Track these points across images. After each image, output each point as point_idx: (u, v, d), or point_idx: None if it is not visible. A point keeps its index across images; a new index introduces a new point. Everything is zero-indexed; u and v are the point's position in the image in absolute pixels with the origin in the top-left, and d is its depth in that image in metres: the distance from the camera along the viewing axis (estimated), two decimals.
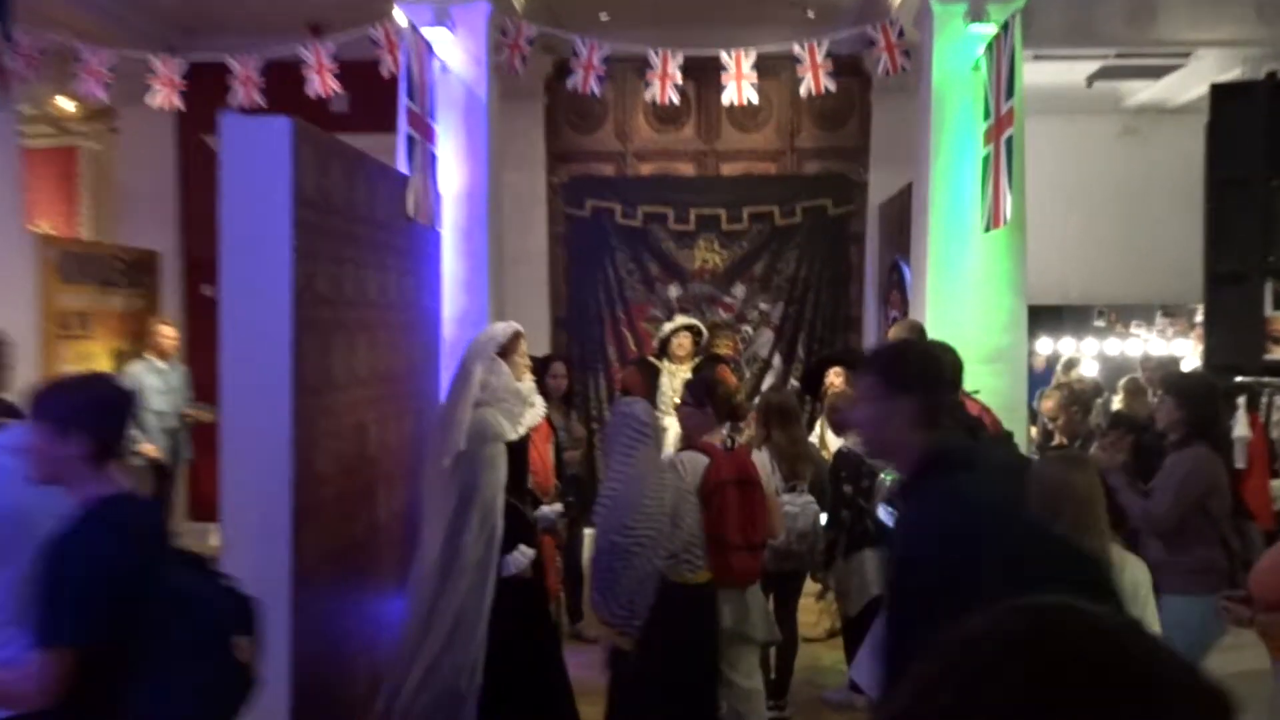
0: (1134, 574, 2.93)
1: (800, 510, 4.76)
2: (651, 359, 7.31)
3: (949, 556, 1.69)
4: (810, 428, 6.10)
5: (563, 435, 5.70)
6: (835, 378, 6.24)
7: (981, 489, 1.81)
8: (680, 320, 7.29)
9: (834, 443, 5.95)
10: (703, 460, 4.01)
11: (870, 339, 8.14)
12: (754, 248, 8.31)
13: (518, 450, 4.19)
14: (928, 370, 1.98)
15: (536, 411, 4.45)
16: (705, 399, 4.11)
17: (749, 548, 4.07)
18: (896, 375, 1.96)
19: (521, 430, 4.24)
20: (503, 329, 4.28)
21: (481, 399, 4.09)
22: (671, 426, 6.70)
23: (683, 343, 7.06)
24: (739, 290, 8.34)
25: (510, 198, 7.34)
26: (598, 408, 8.28)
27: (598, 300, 8.35)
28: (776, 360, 8.36)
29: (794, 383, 8.15)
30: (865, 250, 8.23)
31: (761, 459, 4.55)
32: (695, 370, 7.02)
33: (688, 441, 4.21)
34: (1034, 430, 6.82)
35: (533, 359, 4.62)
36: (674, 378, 7.05)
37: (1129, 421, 4.82)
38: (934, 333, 5.22)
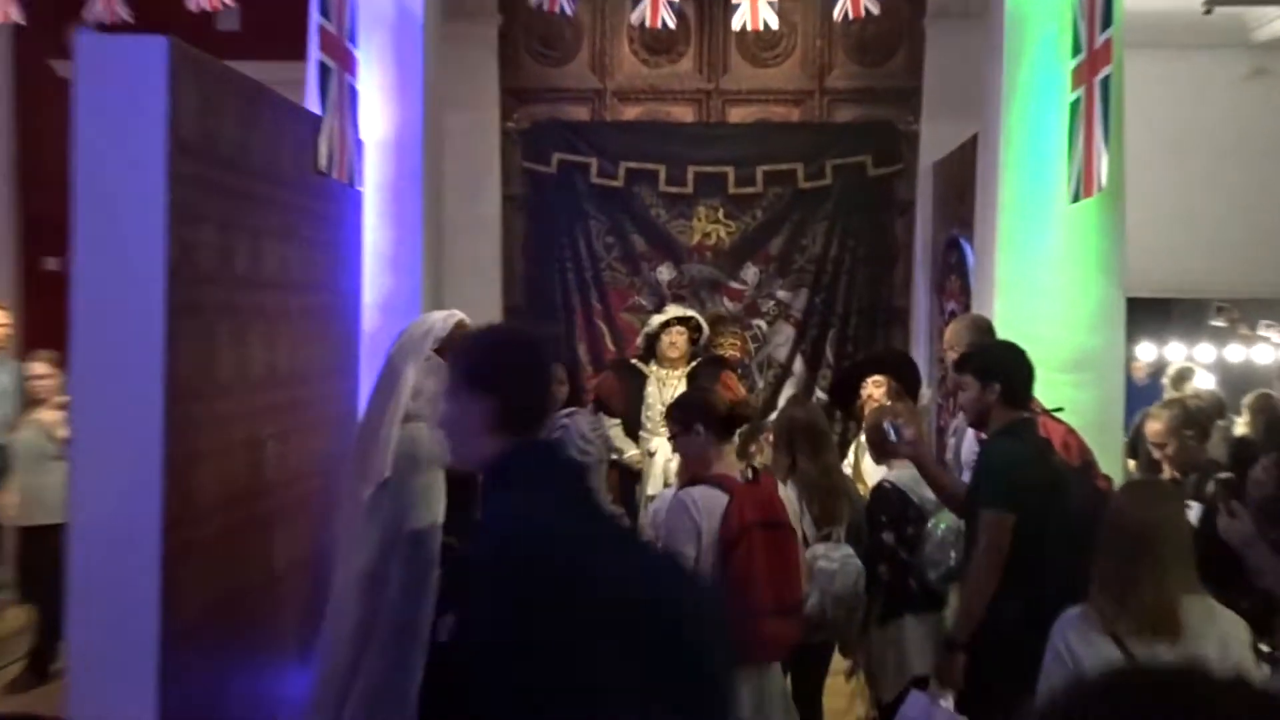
0: (1225, 628, 3.04)
1: (839, 566, 4.71)
2: (635, 361, 7.36)
3: (480, 584, 1.94)
4: (842, 454, 6.13)
5: None
6: (874, 388, 6.30)
7: (537, 511, 2.00)
8: (673, 311, 7.36)
9: (872, 473, 5.99)
10: (720, 498, 4.03)
11: (920, 338, 8.21)
12: (770, 218, 8.38)
13: (460, 478, 4.20)
14: (518, 366, 2.17)
15: None
16: (694, 420, 4.16)
17: (783, 611, 4.07)
18: (477, 370, 2.14)
19: None
20: (442, 320, 4.29)
21: (414, 411, 4.10)
22: (662, 450, 6.79)
23: (676, 341, 7.12)
24: (750, 273, 8.42)
25: (454, 148, 7.36)
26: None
27: (565, 284, 8.39)
28: (798, 365, 8.43)
29: (820, 395, 8.21)
30: (915, 223, 8.31)
31: (787, 496, 4.57)
32: (690, 377, 7.10)
33: (694, 474, 4.30)
34: (1133, 463, 6.87)
35: None
36: (664, 386, 7.09)
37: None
38: (1005, 331, 5.26)
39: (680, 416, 4.24)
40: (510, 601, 1.88)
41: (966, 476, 4.71)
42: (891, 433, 4.63)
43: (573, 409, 4.34)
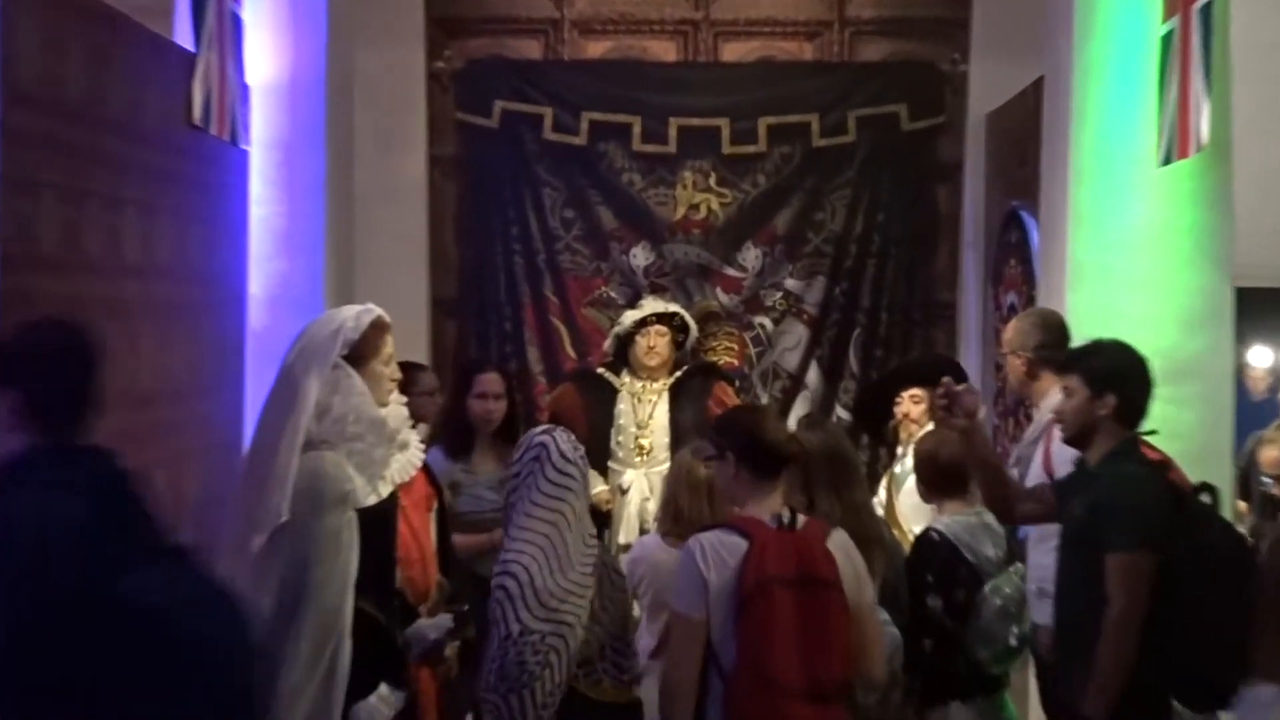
0: None
1: None
2: (602, 371, 7.39)
3: None
4: (872, 490, 6.16)
5: (459, 496, 5.76)
6: (912, 405, 6.46)
7: (52, 519, 2.26)
8: (651, 306, 7.40)
9: (911, 517, 6.05)
10: (738, 546, 4.07)
11: (970, 340, 8.27)
12: (776, 186, 8.41)
13: (379, 524, 4.22)
14: (43, 355, 2.39)
15: (410, 458, 4.52)
16: (726, 444, 4.25)
17: (819, 694, 4.04)
18: None
19: (385, 489, 4.28)
20: (353, 317, 4.28)
21: (317, 435, 4.09)
22: (638, 486, 6.94)
23: (655, 344, 7.17)
24: (750, 257, 8.47)
25: (366, 95, 7.37)
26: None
27: (511, 270, 8.41)
28: (813, 375, 8.49)
29: (842, 414, 8.27)
30: (963, 192, 8.38)
31: (841, 547, 4.55)
32: (674, 391, 7.15)
33: (720, 514, 4.46)
34: (1244, 505, 6.90)
35: (403, 369, 4.66)
36: (640, 403, 7.15)
37: None
38: (1083, 330, 5.30)
39: (715, 437, 4.36)
40: (9, 613, 2.14)
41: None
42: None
43: (550, 426, 4.36)
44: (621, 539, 6.78)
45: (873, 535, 4.92)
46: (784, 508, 4.17)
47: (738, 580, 3.99)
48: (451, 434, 6.00)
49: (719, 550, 4.06)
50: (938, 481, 5.28)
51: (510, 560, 4.13)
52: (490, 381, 6.11)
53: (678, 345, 7.29)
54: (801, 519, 4.17)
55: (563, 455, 4.24)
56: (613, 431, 7.11)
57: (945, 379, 4.68)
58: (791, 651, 3.98)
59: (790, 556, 4.04)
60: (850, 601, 4.13)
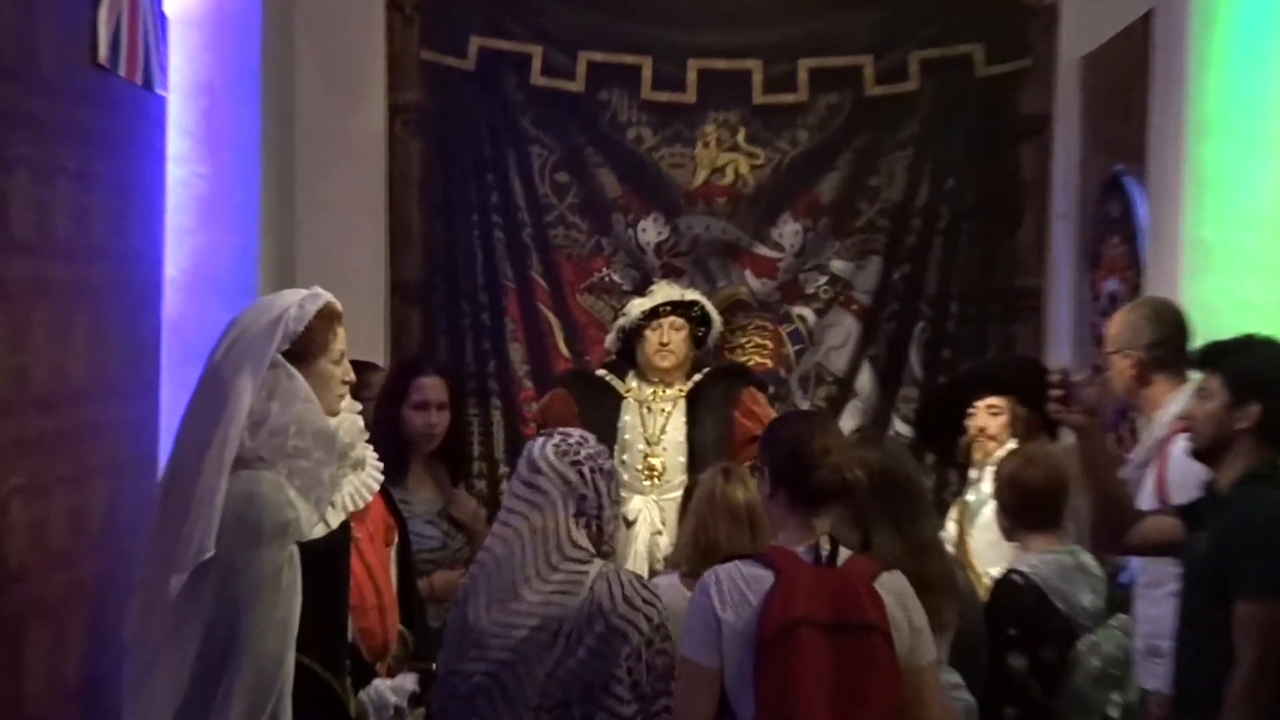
0: None
1: None
2: (602, 373, 7.44)
3: None
4: (941, 521, 6.21)
5: (422, 532, 5.77)
6: (988, 417, 6.55)
7: None
8: (664, 293, 7.42)
9: (987, 554, 6.10)
10: (760, 579, 4.12)
11: (1061, 336, 8.27)
12: (821, 144, 8.43)
13: (327, 561, 4.23)
14: None
15: (366, 479, 4.54)
16: (764, 456, 4.37)
17: None
18: None
19: (335, 518, 4.31)
20: (296, 305, 4.27)
21: (252, 451, 4.10)
22: (647, 516, 7.00)
23: (668, 340, 7.19)
24: (788, 232, 8.47)
25: (312, 31, 7.47)
26: (486, 467, 8.39)
27: (490, 248, 8.44)
28: (865, 379, 8.51)
29: (901, 428, 8.31)
30: (1052, 152, 8.39)
31: (893, 591, 4.53)
32: (692, 399, 7.20)
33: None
34: None
35: (356, 370, 4.60)
36: (649, 413, 7.20)
37: None
38: (1207, 326, 5.29)
39: (759, 448, 4.48)
40: None
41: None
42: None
43: (549, 430, 4.52)
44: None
45: (942, 579, 4.92)
46: (825, 541, 4.20)
47: (759, 621, 4.03)
48: (382, 452, 5.53)
49: (738, 584, 4.11)
50: (1023, 512, 5.34)
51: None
52: (432, 388, 6.09)
53: (697, 342, 7.33)
54: (845, 553, 4.21)
55: (532, 463, 4.36)
56: (616, 449, 7.10)
57: (1061, 367, 4.66)
58: (821, 709, 4.00)
59: (825, 596, 4.08)
60: (901, 657, 4.14)
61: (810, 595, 4.04)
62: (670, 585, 5.19)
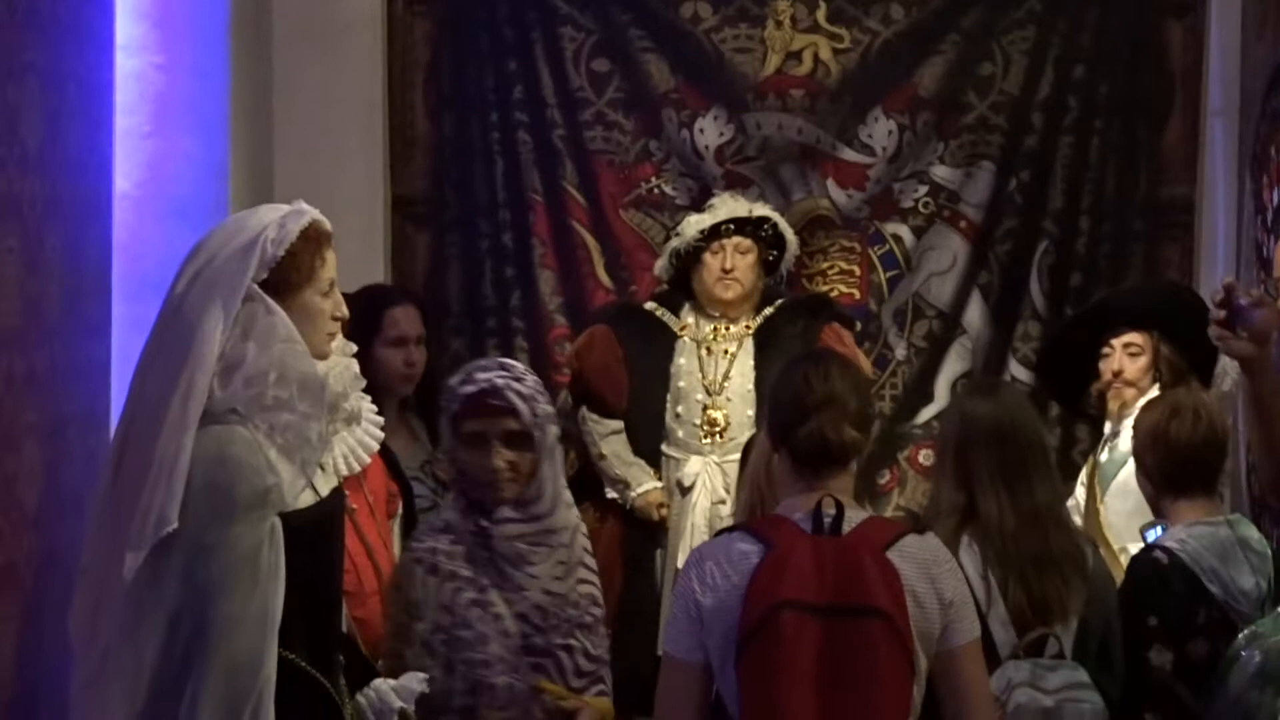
0: None
1: (1056, 705, 4.78)
2: (651, 307, 7.57)
3: None
4: (1068, 486, 6.30)
5: (426, 492, 5.82)
6: (1127, 359, 6.64)
7: None
8: (728, 207, 7.45)
9: (1124, 526, 6.19)
10: (746, 555, 4.18)
11: (1217, 261, 8.23)
12: (920, 23, 8.43)
13: (316, 536, 4.25)
14: None
15: (363, 437, 4.55)
16: (767, 411, 4.48)
17: None
18: None
19: (326, 484, 4.33)
20: (275, 224, 4.25)
21: (223, 403, 4.09)
22: (705, 481, 7.26)
23: (733, 265, 7.27)
24: (880, 132, 8.47)
25: None
26: None
27: (512, 154, 8.45)
28: (975, 313, 8.53)
29: (1019, 372, 8.34)
30: (1208, 34, 8.36)
31: (969, 563, 4.50)
32: (762, 337, 7.29)
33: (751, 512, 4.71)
34: None
35: (350, 301, 4.62)
36: (709, 354, 7.31)
37: None
38: None
39: (769, 400, 4.52)
40: None
41: None
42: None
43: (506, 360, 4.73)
44: (681, 564, 6.76)
45: (1065, 555, 5.04)
46: (831, 503, 4.24)
47: (741, 606, 4.10)
48: None
49: (722, 563, 4.20)
50: (1170, 474, 5.34)
51: None
52: (407, 319, 6.32)
53: (767, 268, 7.41)
54: (855, 518, 4.26)
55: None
56: (668, 399, 7.28)
57: (1227, 282, 4.57)
58: (805, 708, 4.07)
59: (820, 572, 4.13)
60: (926, 637, 4.21)
61: (801, 573, 4.10)
62: None
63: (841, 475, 4.33)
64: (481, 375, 4.94)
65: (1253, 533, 5.25)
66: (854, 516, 4.22)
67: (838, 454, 4.26)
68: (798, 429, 4.26)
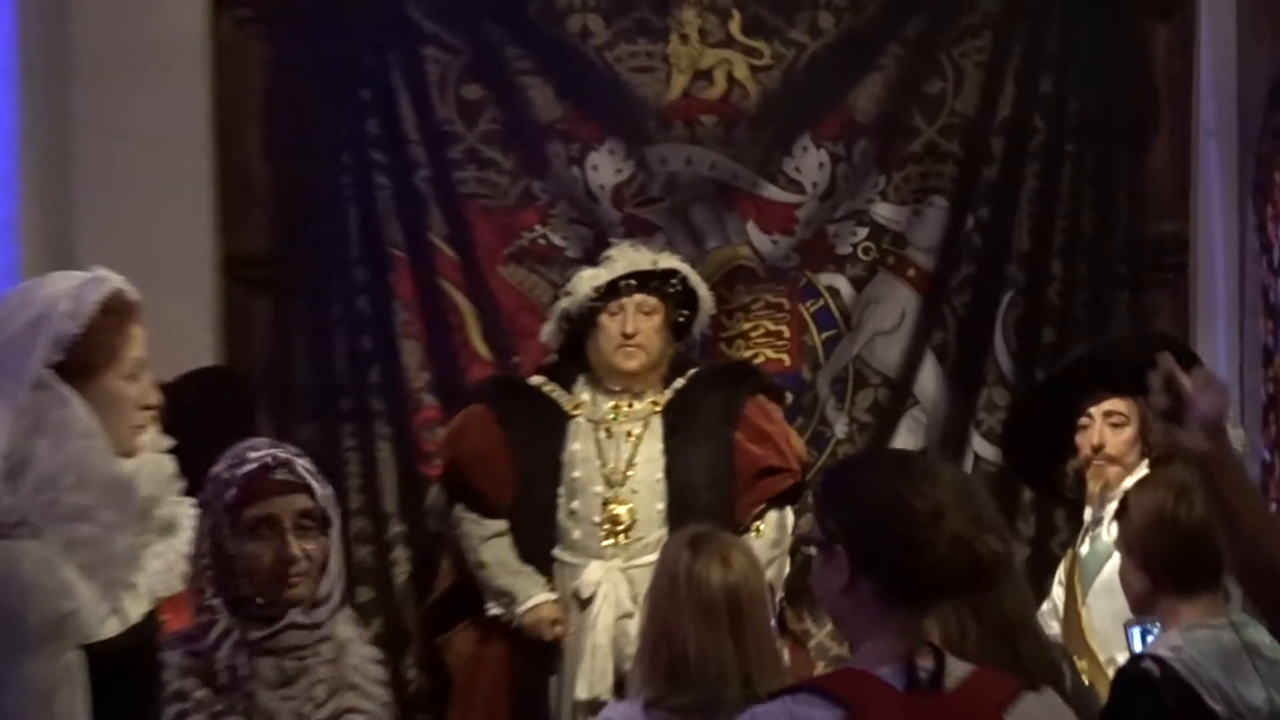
0: None
1: None
2: (539, 381, 7.61)
3: None
4: (1039, 590, 6.40)
5: None
6: (1108, 429, 6.64)
7: None
8: (627, 258, 7.50)
9: (1110, 632, 6.18)
10: None
11: (1216, 307, 8.34)
12: (854, 33, 8.49)
13: (127, 670, 4.21)
14: None
15: (181, 548, 4.51)
16: (836, 524, 3.96)
17: None
18: None
19: (137, 608, 4.26)
20: (70, 295, 4.27)
21: (9, 512, 4.07)
22: (609, 593, 7.09)
23: (635, 329, 7.32)
24: (810, 163, 8.53)
25: None
26: (371, 526, 8.43)
27: (366, 199, 8.46)
28: (928, 379, 8.62)
29: (982, 448, 8.39)
30: (1197, 39, 8.43)
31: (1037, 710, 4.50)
32: (672, 412, 7.30)
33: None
34: None
35: (167, 390, 4.59)
36: (610, 436, 7.39)
37: None
38: None
39: (819, 511, 4.17)
40: None
41: None
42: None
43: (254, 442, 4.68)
44: (581, 693, 6.91)
45: (1037, 671, 4.91)
46: (927, 651, 3.95)
47: None
48: None
49: None
50: (1175, 566, 5.21)
51: None
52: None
53: (678, 331, 7.48)
54: (958, 670, 3.95)
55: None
56: (561, 493, 7.32)
57: (1165, 365, 4.57)
58: None
59: None
60: None
61: None
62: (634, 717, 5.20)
63: (941, 604, 4.10)
64: (256, 453, 4.84)
65: (1263, 637, 5.16)
66: (957, 669, 3.89)
67: (978, 575, 3.85)
68: (920, 553, 3.80)
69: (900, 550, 3.81)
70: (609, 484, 7.22)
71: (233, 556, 4.81)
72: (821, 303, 8.53)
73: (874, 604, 3.87)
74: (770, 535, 7.30)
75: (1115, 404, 6.54)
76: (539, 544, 7.26)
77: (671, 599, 5.06)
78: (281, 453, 4.86)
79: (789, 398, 8.00)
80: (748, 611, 4.84)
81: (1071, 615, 6.37)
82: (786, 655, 6.77)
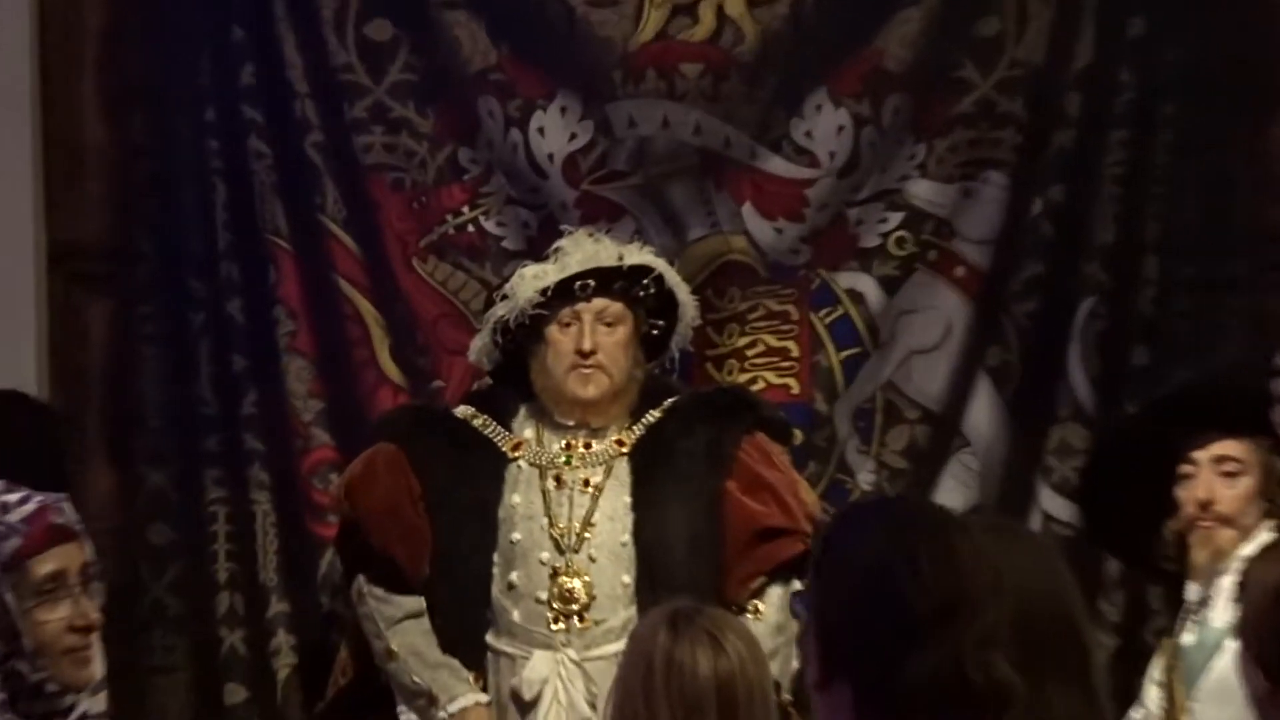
0: None
1: None
2: (466, 412, 7.26)
3: None
4: (1127, 693, 6.52)
5: None
6: (1218, 478, 6.31)
7: None
8: (583, 250, 7.08)
9: None
10: None
11: None
12: None
13: None
14: None
15: None
16: (817, 598, 3.90)
17: None
18: None
19: None
20: None
21: None
22: (557, 691, 6.91)
23: (593, 343, 6.94)
24: (824, 128, 8.21)
25: None
26: (243, 604, 8.22)
27: (240, 171, 8.17)
28: (980, 412, 8.12)
29: (1052, 506, 7.84)
30: None
31: None
32: (640, 455, 7.11)
33: None
34: None
35: None
36: (560, 486, 6.97)
37: None
38: None
39: (811, 568, 4.07)
40: None
41: None
42: None
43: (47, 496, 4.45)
44: None
45: None
46: None
47: None
48: None
49: None
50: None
51: None
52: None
53: (650, 348, 7.05)
54: None
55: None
56: (497, 561, 6.92)
57: None
58: None
59: None
60: None
61: None
62: None
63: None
64: (14, 494, 4.51)
65: None
66: None
67: (969, 700, 3.52)
68: (894, 660, 3.55)
69: (879, 654, 3.54)
70: (559, 550, 6.86)
71: (20, 627, 4.57)
72: (840, 311, 8.15)
73: (847, 715, 3.62)
74: (773, 618, 7.03)
75: (1228, 447, 6.21)
76: (467, 628, 6.88)
77: (646, 694, 4.80)
78: (38, 495, 4.57)
79: (798, 436, 7.65)
80: (744, 710, 4.62)
81: (1172, 700, 6.29)
82: None
